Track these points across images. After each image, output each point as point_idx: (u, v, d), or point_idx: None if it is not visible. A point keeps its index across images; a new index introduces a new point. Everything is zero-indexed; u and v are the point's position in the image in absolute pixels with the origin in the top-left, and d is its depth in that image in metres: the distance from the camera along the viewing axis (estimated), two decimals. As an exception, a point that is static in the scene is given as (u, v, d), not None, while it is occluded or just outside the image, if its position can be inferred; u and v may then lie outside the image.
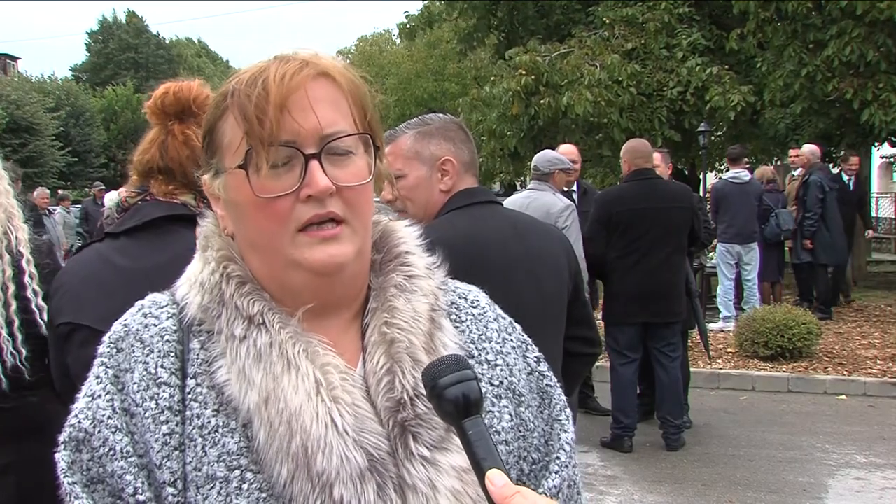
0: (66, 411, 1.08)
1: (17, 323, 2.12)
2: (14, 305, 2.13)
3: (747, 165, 11.25)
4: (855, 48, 10.76)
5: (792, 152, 12.47)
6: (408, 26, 18.54)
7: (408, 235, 1.21)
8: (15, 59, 48.90)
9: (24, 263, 2.17)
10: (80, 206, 18.05)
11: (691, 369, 7.40)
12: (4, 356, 2.10)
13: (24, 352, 2.12)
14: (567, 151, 7.29)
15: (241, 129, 1.05)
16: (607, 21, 14.07)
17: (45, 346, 2.13)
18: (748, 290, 10.48)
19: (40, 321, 2.14)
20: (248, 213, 1.06)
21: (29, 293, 2.15)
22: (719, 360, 8.82)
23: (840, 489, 5.64)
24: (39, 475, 2.11)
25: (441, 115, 2.60)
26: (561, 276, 2.59)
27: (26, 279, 2.16)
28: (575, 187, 7.53)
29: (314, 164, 1.03)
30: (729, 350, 9.16)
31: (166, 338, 1.07)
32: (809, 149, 11.36)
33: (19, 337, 2.12)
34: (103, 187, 17.48)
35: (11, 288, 2.14)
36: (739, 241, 10.12)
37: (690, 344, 7.89)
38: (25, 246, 2.21)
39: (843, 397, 7.90)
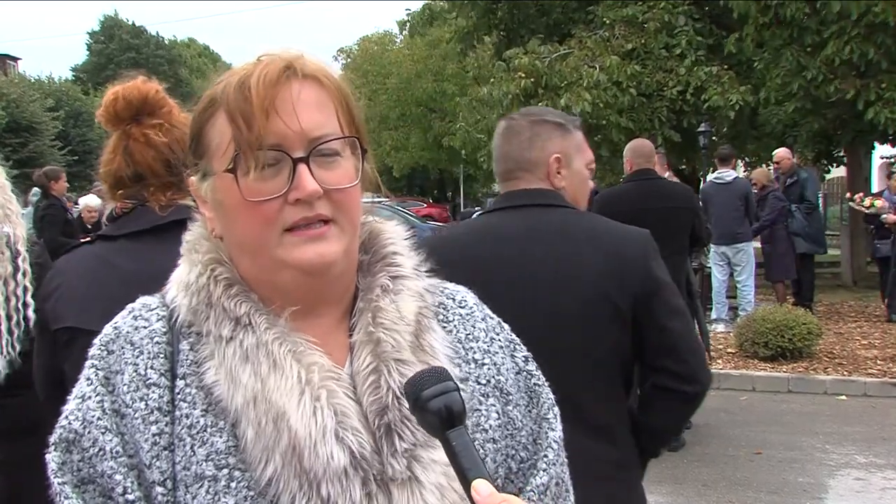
0: (57, 412, 1.08)
1: (14, 319, 2.12)
2: (14, 301, 2.13)
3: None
4: (855, 48, 10.76)
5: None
6: (407, 23, 18.55)
7: (396, 236, 1.21)
8: (15, 59, 48.92)
9: (20, 261, 2.17)
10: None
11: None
12: (4, 350, 2.10)
13: (18, 348, 2.13)
14: None
15: (228, 132, 1.05)
16: (607, 21, 14.08)
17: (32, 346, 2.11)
18: (740, 294, 10.39)
19: (29, 317, 2.14)
20: (237, 215, 1.07)
21: (20, 291, 2.15)
22: (719, 360, 8.82)
23: (840, 489, 5.64)
24: (30, 475, 2.11)
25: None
26: (587, 294, 2.11)
27: (19, 276, 2.16)
28: None
29: (302, 167, 1.04)
30: (729, 350, 9.16)
31: (156, 339, 1.08)
32: (786, 152, 11.42)
33: (16, 333, 2.13)
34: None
35: (11, 284, 2.14)
36: (724, 242, 10.02)
37: (690, 344, 7.88)
38: (23, 244, 2.20)
39: (843, 397, 7.90)
